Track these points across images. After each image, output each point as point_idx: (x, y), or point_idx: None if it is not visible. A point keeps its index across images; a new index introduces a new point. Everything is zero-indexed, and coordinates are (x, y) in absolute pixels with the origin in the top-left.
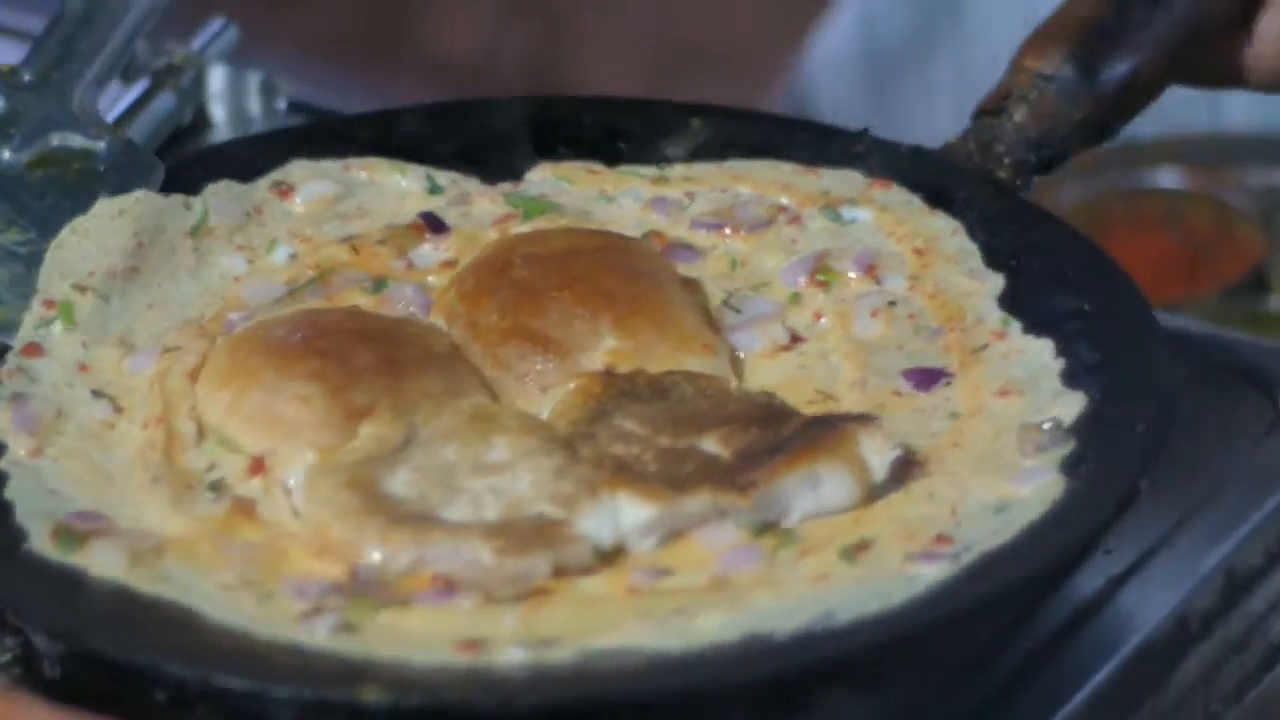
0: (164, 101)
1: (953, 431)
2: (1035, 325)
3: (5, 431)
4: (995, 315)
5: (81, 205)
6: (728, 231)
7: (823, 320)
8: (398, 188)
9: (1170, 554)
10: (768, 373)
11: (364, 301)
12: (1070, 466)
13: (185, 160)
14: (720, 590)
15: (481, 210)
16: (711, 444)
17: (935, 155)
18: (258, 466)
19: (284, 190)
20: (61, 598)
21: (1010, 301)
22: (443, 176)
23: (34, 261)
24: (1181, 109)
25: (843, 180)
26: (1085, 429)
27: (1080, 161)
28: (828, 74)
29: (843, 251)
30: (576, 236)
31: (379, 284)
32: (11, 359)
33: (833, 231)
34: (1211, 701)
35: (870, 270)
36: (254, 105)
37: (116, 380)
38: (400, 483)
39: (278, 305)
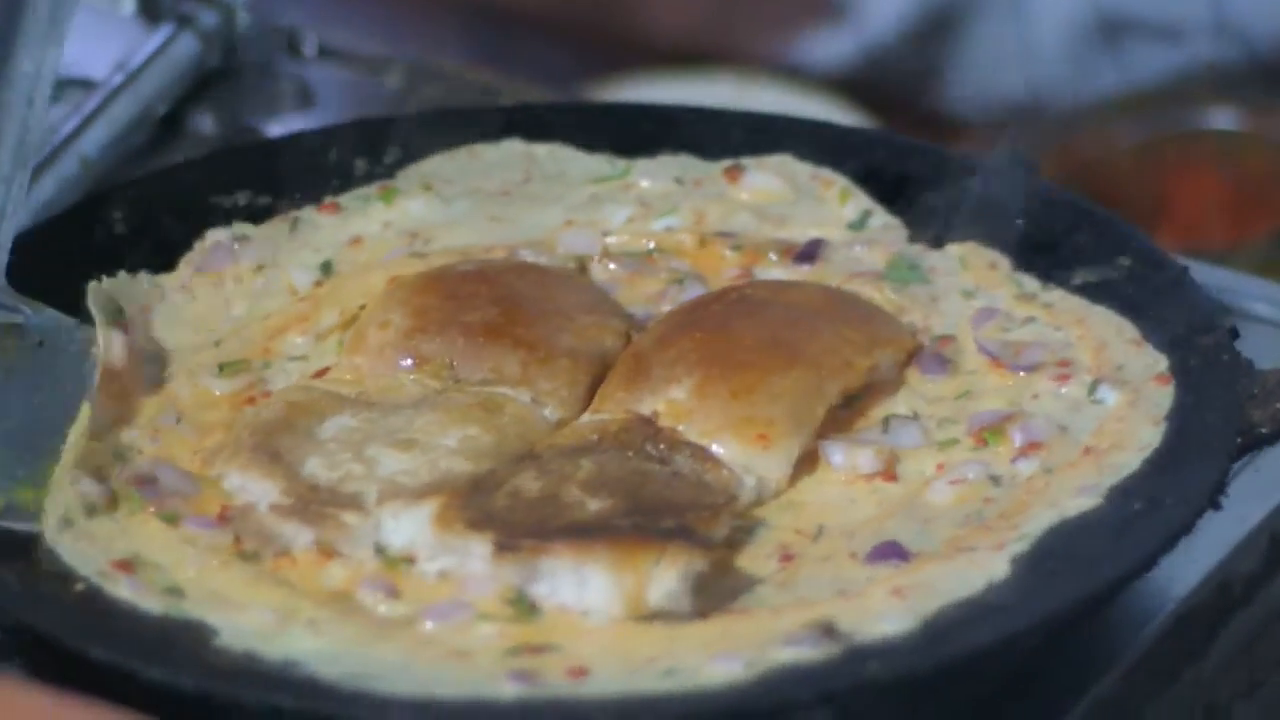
0: (187, 46)
1: (795, 600)
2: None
3: (188, 256)
4: (1030, 530)
5: (30, 385)
6: (999, 363)
7: (937, 473)
8: (834, 212)
9: (1211, 516)
10: (823, 492)
11: (654, 289)
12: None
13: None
14: (387, 628)
15: (867, 257)
16: (594, 508)
17: (1238, 374)
18: (321, 373)
19: (734, 173)
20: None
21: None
22: (880, 218)
23: (7, 444)
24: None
25: (1146, 363)
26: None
27: (1133, 102)
28: (888, 30)
29: (1034, 420)
30: (823, 297)
31: (682, 278)
32: (305, 209)
33: (1072, 404)
34: (1255, 670)
35: (1029, 448)
36: (282, 49)
37: (365, 263)
38: (333, 426)
39: (574, 259)
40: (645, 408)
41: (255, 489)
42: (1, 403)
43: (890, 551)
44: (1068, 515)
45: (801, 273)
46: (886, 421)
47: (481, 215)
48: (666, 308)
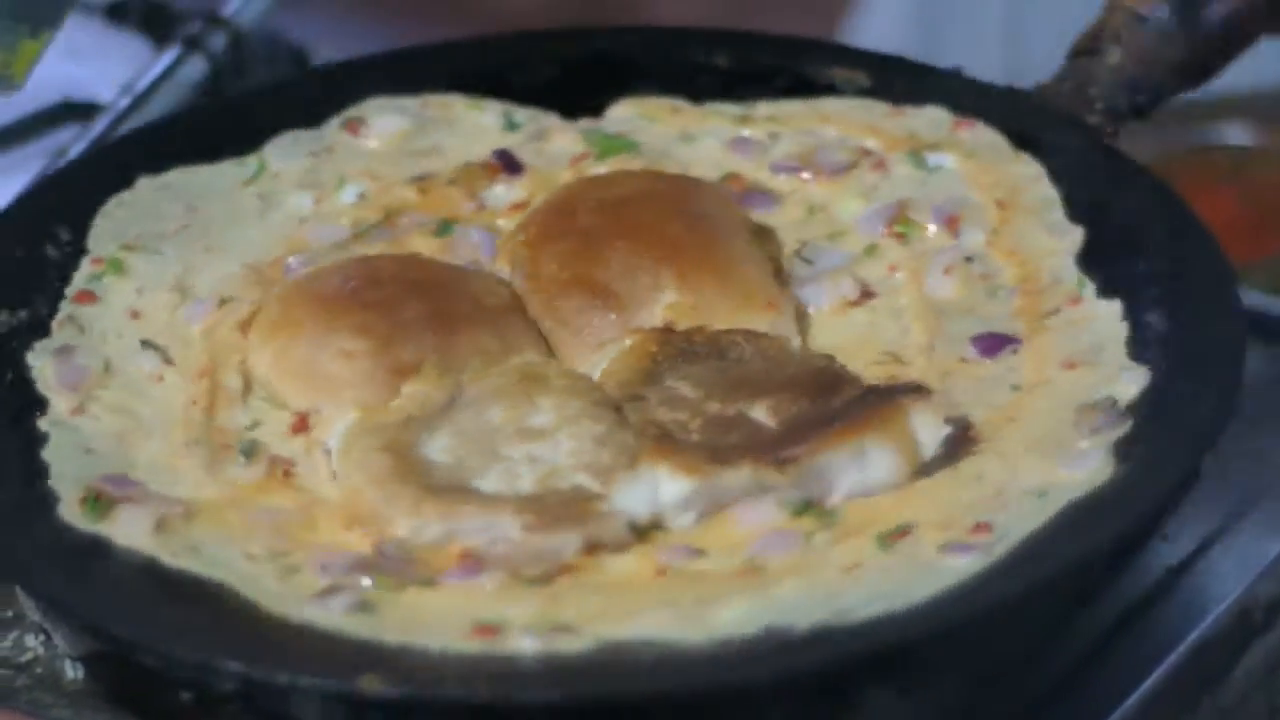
0: (194, 68)
1: (1012, 405)
2: (1111, 287)
3: (49, 387)
4: (1071, 277)
5: None
6: (807, 175)
7: (897, 275)
8: (475, 124)
9: (1231, 542)
10: (835, 330)
11: (428, 245)
12: (1124, 449)
13: (250, 96)
14: (750, 576)
15: (558, 148)
16: (761, 412)
17: (1025, 96)
18: (301, 425)
19: (354, 125)
20: (82, 576)
21: (1089, 259)
22: (521, 113)
23: None
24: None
25: (930, 121)
26: (1145, 408)
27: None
28: (882, 21)
29: (924, 201)
30: (647, 180)
31: (445, 227)
32: (64, 307)
33: (916, 179)
34: (1276, 696)
35: (950, 223)
36: (291, 70)
37: (169, 330)
38: (439, 448)
39: (339, 249)
40: (646, 321)
41: (474, 524)
42: None
43: (999, 341)
44: (1075, 250)
45: (519, 182)
46: (800, 256)
47: (203, 250)
48: (466, 254)
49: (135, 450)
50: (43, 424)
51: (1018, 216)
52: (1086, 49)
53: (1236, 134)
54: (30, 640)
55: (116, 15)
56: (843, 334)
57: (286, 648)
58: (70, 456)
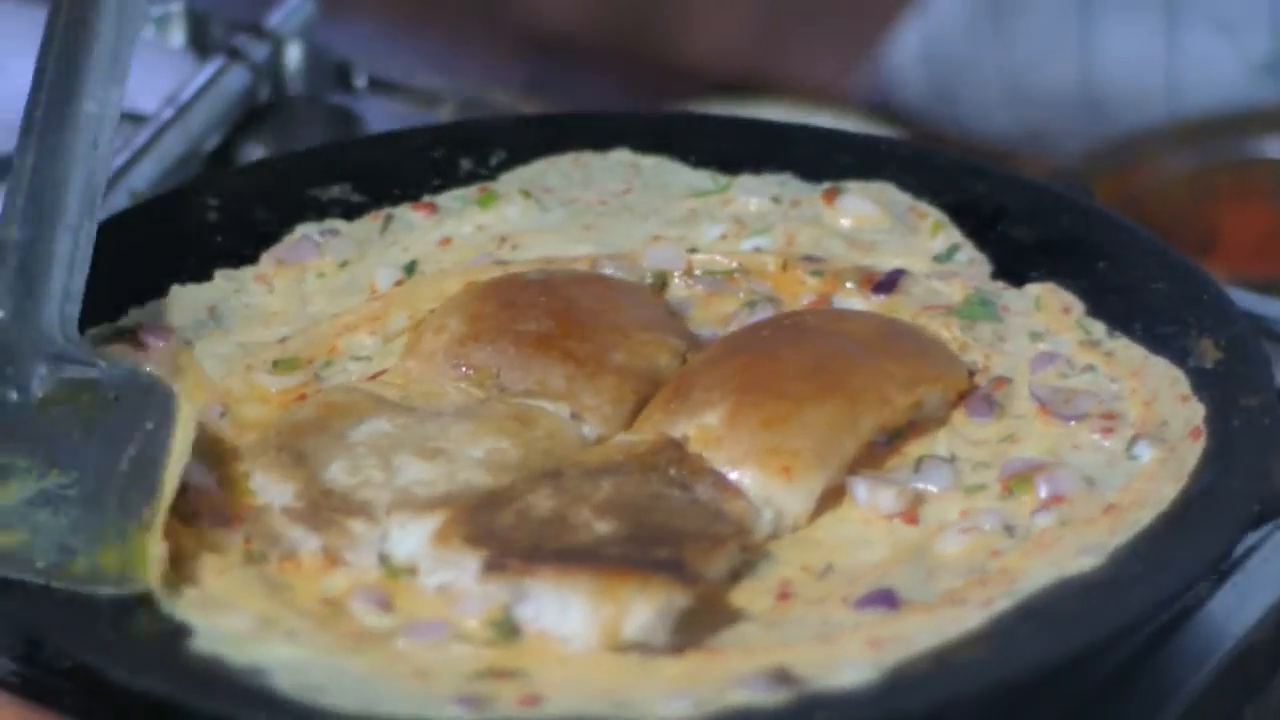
0: (237, 79)
1: (783, 648)
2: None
3: (272, 248)
4: (1024, 589)
5: (106, 440)
6: (1047, 410)
7: (960, 519)
8: (923, 243)
9: (1271, 550)
10: (841, 529)
11: (728, 310)
12: None
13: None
14: (362, 641)
15: (945, 291)
16: (601, 531)
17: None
18: (378, 375)
19: (832, 195)
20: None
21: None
22: (967, 252)
23: (90, 503)
24: None
25: (1183, 416)
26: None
27: (1186, 130)
28: (898, 76)
29: (1063, 472)
30: (876, 328)
31: (757, 301)
32: (401, 206)
33: (1109, 457)
34: None
35: (1052, 501)
36: (332, 82)
37: (449, 265)
38: (368, 430)
39: (656, 275)
40: (678, 431)
41: (274, 490)
42: (80, 460)
43: (881, 599)
44: (1067, 574)
45: (877, 303)
46: (919, 462)
47: (576, 224)
48: (735, 329)
49: (246, 328)
50: (221, 273)
51: (1099, 525)
52: None
53: (1277, 148)
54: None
55: (160, 27)
56: (838, 536)
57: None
58: (190, 300)
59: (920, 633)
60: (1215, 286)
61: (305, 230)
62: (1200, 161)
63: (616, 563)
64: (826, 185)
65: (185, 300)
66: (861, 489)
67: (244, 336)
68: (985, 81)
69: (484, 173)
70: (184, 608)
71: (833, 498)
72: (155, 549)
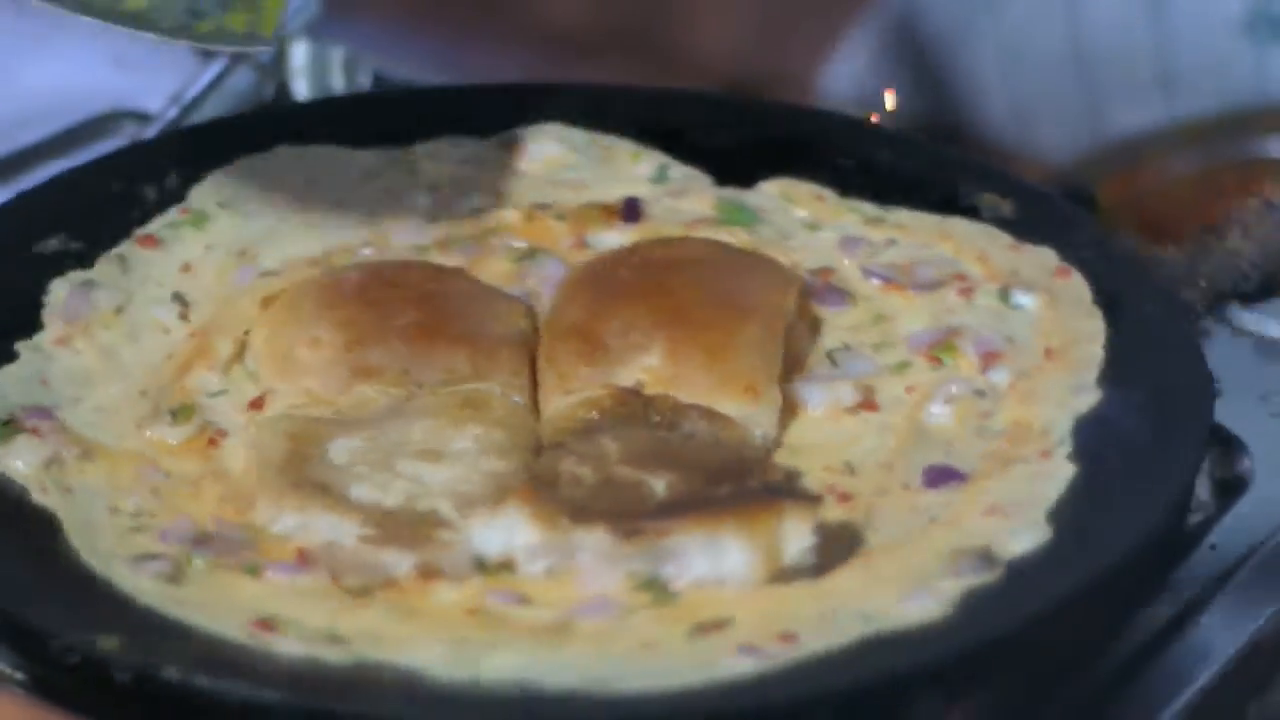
0: (242, 78)
1: (914, 534)
2: (1085, 452)
3: (50, 314)
4: (1059, 432)
5: None
6: (895, 285)
7: (910, 395)
8: (628, 170)
9: (1274, 549)
10: (818, 432)
11: (500, 268)
12: (974, 600)
13: (413, 93)
14: (551, 634)
15: (688, 208)
16: (660, 484)
17: (1139, 261)
18: (258, 402)
19: (514, 145)
20: None
21: (1091, 424)
22: (677, 169)
23: None
24: None
25: (1037, 262)
26: (1027, 566)
27: (1191, 130)
28: (872, 64)
29: (977, 332)
30: (706, 249)
31: (528, 254)
32: (121, 245)
33: (993, 312)
34: None
35: (988, 358)
36: (338, 80)
37: (207, 290)
38: (344, 449)
39: (416, 251)
40: (622, 380)
41: (322, 525)
42: None
43: (945, 475)
44: (1081, 411)
45: (632, 231)
46: (830, 356)
47: (292, 224)
48: (531, 284)
49: (91, 391)
50: (22, 346)
51: (1055, 368)
52: (1213, 228)
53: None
54: None
55: None
56: (821, 437)
57: (59, 598)
58: (19, 381)
59: (1018, 492)
60: (958, 152)
61: (60, 286)
62: (1205, 161)
63: (748, 499)
64: (501, 136)
65: (13, 380)
66: (814, 392)
67: (95, 401)
68: (980, 54)
69: (168, 196)
70: (373, 650)
71: (786, 410)
72: (281, 9)
